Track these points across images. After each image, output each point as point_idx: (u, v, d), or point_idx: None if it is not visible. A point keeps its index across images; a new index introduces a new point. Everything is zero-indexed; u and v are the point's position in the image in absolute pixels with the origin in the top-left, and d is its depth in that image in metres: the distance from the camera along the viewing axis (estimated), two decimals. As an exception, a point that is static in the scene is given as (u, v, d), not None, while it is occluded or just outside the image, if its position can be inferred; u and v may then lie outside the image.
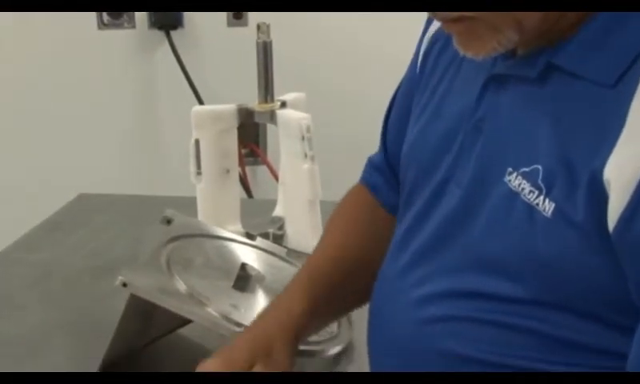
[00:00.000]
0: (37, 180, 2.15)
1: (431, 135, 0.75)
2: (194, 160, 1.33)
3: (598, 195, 0.57)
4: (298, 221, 1.33)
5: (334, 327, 1.03)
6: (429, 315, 0.69)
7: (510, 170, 0.64)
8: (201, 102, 2.06)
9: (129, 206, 1.60)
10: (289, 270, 1.14)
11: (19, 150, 2.18)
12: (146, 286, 0.93)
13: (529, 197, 0.61)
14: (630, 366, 0.58)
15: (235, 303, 0.97)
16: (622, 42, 0.59)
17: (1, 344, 1.08)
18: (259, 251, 1.16)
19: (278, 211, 1.41)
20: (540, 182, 0.61)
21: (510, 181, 0.63)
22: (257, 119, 1.36)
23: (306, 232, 1.31)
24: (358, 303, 0.86)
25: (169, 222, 1.08)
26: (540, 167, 0.61)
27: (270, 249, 1.18)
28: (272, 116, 1.34)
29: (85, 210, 1.58)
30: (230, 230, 1.20)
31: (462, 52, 0.65)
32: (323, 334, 1.01)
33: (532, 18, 0.61)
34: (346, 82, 2.10)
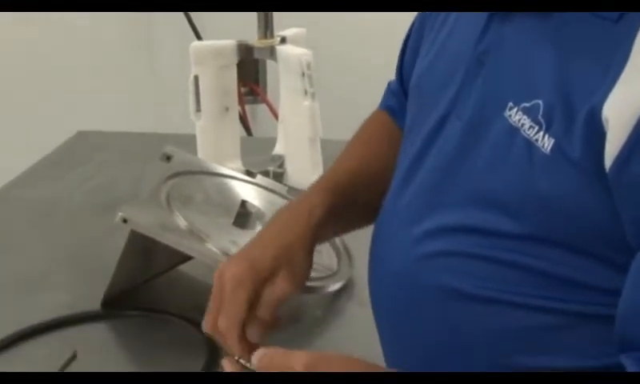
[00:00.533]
0: (35, 117, 2.14)
1: (435, 70, 0.74)
2: (194, 97, 1.32)
3: (596, 133, 0.56)
4: (299, 159, 1.33)
5: (334, 264, 1.04)
6: (427, 251, 0.69)
7: (510, 104, 0.63)
8: (199, 38, 2.03)
9: (128, 144, 1.59)
10: (289, 208, 1.14)
11: (17, 88, 2.16)
12: (146, 222, 0.93)
13: (528, 132, 0.61)
14: (623, 303, 0.58)
15: (235, 240, 0.97)
16: None
17: (1, 280, 1.09)
18: (259, 189, 1.15)
19: (278, 149, 1.41)
20: (540, 117, 0.60)
21: (510, 116, 0.63)
22: (256, 55, 1.34)
23: (306, 170, 1.31)
24: (372, 219, 0.85)
25: (168, 158, 1.08)
26: (541, 102, 0.60)
27: (270, 186, 1.17)
28: (272, 52, 1.32)
29: (84, 148, 1.57)
30: (230, 168, 1.19)
31: None
32: (323, 271, 1.01)
33: None
34: (348, 17, 2.07)
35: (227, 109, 1.35)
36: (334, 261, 1.06)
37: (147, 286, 1.06)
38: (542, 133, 0.60)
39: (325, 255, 1.05)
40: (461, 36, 0.72)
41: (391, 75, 0.92)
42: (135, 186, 1.33)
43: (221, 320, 0.71)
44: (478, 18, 0.69)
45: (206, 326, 0.73)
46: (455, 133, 0.69)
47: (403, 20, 0.89)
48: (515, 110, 0.62)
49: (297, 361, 0.63)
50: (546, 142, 0.60)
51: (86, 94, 2.14)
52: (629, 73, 0.55)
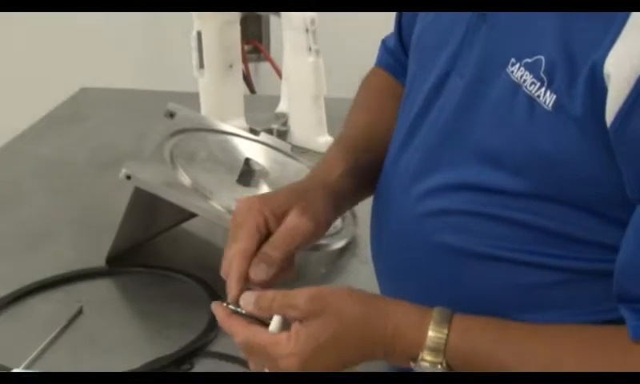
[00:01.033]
0: (38, 74, 2.13)
1: (435, 27, 0.74)
2: (197, 53, 1.31)
3: (598, 89, 0.56)
4: (303, 116, 1.32)
5: (338, 222, 1.04)
6: (428, 209, 0.69)
7: (512, 60, 0.62)
8: (202, -6, 2.01)
9: (131, 101, 1.59)
10: (293, 166, 1.14)
11: (20, 44, 2.14)
12: (150, 178, 0.92)
13: (530, 89, 0.61)
14: (622, 257, 0.59)
15: (239, 197, 0.97)
16: None
17: (6, 235, 1.09)
18: (263, 146, 1.15)
19: (282, 107, 1.40)
20: (542, 73, 0.60)
21: (512, 72, 0.62)
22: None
23: (310, 128, 1.30)
24: None
25: (172, 115, 1.07)
26: (543, 58, 0.60)
27: (274, 144, 1.17)
28: (276, 8, 1.30)
29: (87, 104, 1.57)
30: (234, 126, 1.19)
31: None
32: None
33: None
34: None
35: (231, 65, 1.34)
36: (338, 219, 1.06)
37: (151, 243, 1.06)
38: (543, 89, 0.60)
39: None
40: None
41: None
42: (138, 143, 1.33)
43: (227, 252, 0.68)
44: None
45: (222, 270, 0.69)
46: (457, 90, 0.68)
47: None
48: (517, 66, 0.62)
49: (299, 297, 0.64)
50: (547, 99, 0.59)
51: (89, 51, 2.13)
52: (630, 28, 0.55)
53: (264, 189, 1.04)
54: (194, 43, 1.30)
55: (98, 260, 1.00)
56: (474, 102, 0.66)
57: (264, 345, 0.64)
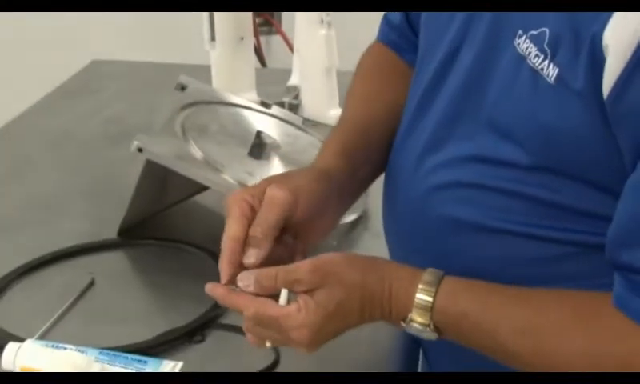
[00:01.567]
0: (49, 46, 2.13)
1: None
2: (208, 26, 1.30)
3: (598, 61, 0.56)
4: (314, 89, 1.32)
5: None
6: (438, 182, 0.70)
7: (520, 32, 0.63)
8: (214, -33, 2.00)
9: (142, 73, 1.58)
10: (304, 139, 1.13)
11: (31, 16, 2.14)
12: (162, 151, 0.93)
13: (534, 61, 0.61)
14: (615, 225, 0.59)
15: (250, 170, 0.97)
16: None
17: (19, 208, 1.10)
18: (275, 120, 1.15)
19: (294, 80, 1.40)
20: (546, 46, 0.60)
21: (518, 44, 0.62)
22: (272, -18, 1.32)
23: (322, 101, 1.30)
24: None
25: (183, 88, 1.07)
26: (547, 30, 0.60)
27: (285, 117, 1.17)
28: (287, -21, 1.29)
29: (98, 77, 1.57)
30: (245, 99, 1.19)
31: None
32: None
33: None
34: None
35: (242, 38, 1.33)
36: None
37: (163, 216, 1.07)
38: (546, 62, 0.60)
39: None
40: None
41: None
42: (149, 115, 1.33)
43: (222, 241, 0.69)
44: None
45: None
46: (467, 63, 0.68)
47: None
48: (524, 38, 0.62)
49: (300, 270, 0.65)
50: (550, 71, 0.59)
51: (100, 23, 2.13)
52: None
53: (275, 162, 1.04)
54: (205, 16, 1.30)
55: (110, 232, 1.00)
56: (483, 74, 0.66)
57: (276, 317, 0.65)
